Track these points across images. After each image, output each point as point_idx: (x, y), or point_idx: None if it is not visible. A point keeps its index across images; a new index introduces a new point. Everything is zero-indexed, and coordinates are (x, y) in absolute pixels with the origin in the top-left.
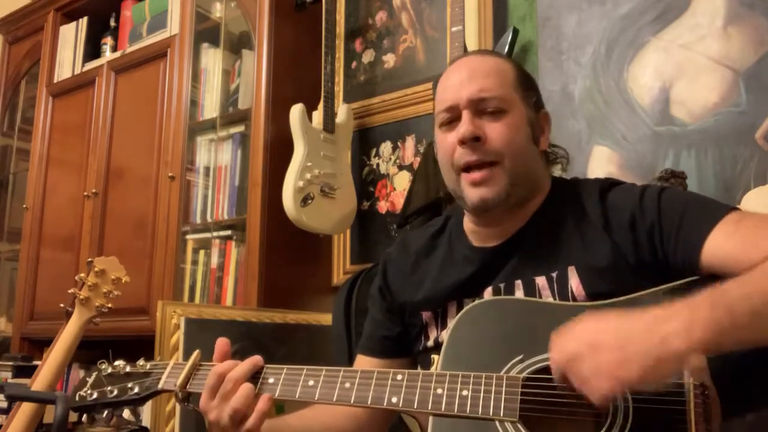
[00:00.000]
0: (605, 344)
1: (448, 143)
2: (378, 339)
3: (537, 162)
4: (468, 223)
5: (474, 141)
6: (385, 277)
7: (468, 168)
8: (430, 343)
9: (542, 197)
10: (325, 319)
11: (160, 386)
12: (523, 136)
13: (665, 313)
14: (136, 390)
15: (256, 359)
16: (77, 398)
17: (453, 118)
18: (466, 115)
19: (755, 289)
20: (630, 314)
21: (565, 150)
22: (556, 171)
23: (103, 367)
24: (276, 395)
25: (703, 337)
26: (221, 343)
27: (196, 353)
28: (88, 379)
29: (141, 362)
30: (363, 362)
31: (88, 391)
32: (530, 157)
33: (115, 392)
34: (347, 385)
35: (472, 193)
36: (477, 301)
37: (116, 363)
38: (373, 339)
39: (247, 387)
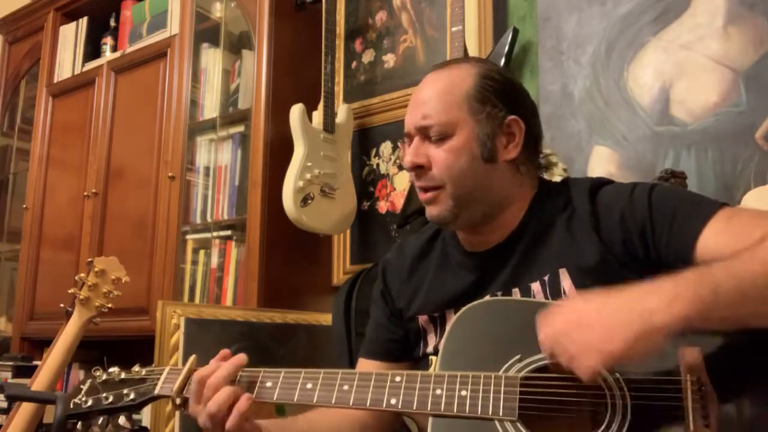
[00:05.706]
0: (590, 321)
1: None
2: (382, 342)
3: (491, 178)
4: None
5: (417, 169)
6: (385, 281)
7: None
8: (430, 349)
9: (528, 200)
10: (325, 319)
11: (156, 392)
12: (464, 160)
13: (649, 288)
14: (132, 396)
15: (238, 359)
16: (72, 406)
17: (411, 140)
18: (414, 142)
19: (742, 269)
20: (615, 292)
21: (545, 156)
22: (556, 174)
23: (98, 374)
24: (274, 399)
25: (684, 312)
26: (222, 354)
27: (192, 358)
28: (82, 386)
29: (136, 368)
30: (366, 365)
31: (83, 399)
32: (478, 176)
33: (111, 399)
34: (345, 387)
35: (426, 210)
36: (473, 303)
37: (111, 370)
38: (377, 342)
39: (224, 392)
